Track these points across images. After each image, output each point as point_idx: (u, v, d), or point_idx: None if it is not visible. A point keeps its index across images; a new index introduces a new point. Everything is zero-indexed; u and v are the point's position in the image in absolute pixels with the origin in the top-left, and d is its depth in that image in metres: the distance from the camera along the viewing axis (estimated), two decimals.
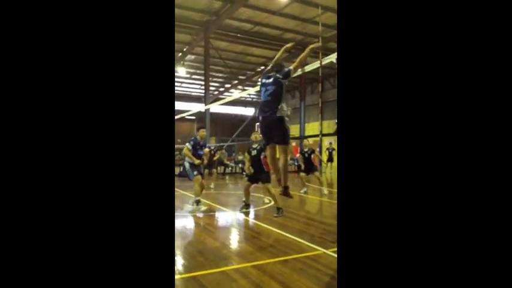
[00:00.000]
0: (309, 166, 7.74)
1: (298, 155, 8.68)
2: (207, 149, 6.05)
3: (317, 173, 7.86)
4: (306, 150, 7.73)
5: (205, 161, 8.97)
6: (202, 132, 5.88)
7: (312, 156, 7.79)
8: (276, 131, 3.39)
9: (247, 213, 5.56)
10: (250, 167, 5.65)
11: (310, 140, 9.03)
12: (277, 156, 3.70)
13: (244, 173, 6.70)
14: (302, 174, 7.81)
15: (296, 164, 8.16)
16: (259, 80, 3.62)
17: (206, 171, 9.14)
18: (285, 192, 3.57)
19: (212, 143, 9.82)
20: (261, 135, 3.78)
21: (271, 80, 3.42)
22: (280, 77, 3.38)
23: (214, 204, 6.45)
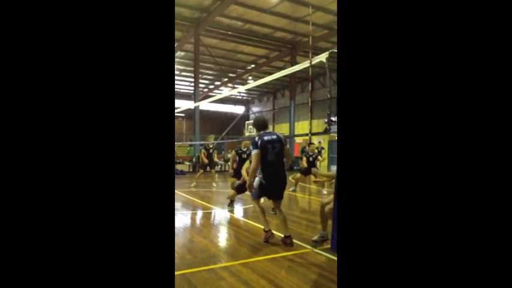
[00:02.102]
0: (311, 169, 7.94)
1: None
2: None
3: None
4: (310, 153, 7.98)
5: (205, 161, 8.83)
6: None
7: (316, 160, 8.04)
8: (280, 189, 3.71)
9: (236, 211, 5.57)
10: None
11: (300, 139, 9.04)
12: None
13: (232, 172, 6.67)
14: (298, 175, 7.93)
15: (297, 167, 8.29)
16: (257, 139, 3.59)
17: (201, 171, 9.06)
18: (289, 241, 3.58)
19: (211, 141, 9.41)
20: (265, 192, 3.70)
21: (275, 137, 3.62)
22: (282, 138, 3.65)
23: (202, 202, 6.43)
